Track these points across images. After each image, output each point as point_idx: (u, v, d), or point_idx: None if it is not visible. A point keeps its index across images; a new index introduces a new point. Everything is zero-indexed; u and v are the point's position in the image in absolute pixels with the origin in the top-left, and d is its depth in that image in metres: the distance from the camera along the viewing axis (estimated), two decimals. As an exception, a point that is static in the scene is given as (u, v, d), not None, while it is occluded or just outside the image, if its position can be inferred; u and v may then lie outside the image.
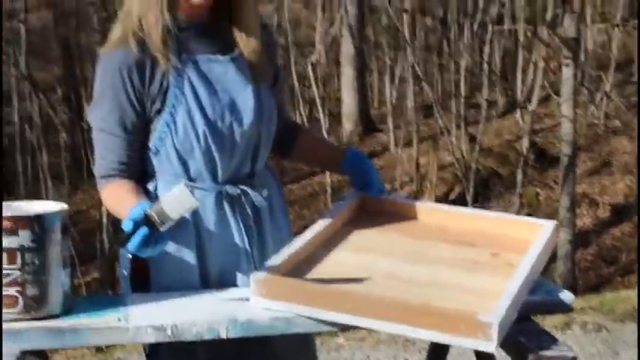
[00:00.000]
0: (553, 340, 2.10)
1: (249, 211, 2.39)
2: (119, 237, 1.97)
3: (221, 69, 2.33)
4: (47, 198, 11.53)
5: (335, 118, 16.53)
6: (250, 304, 2.11)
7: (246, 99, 2.34)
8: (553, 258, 10.34)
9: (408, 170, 14.07)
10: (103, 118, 2.30)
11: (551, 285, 2.31)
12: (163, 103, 2.28)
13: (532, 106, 10.24)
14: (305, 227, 2.39)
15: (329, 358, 4.49)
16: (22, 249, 2.06)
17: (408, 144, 14.43)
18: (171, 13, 2.23)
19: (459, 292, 2.10)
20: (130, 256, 2.33)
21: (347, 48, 15.84)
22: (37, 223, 2.07)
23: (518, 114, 13.36)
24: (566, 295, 2.21)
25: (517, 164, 10.67)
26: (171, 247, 2.29)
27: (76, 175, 13.42)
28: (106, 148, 2.33)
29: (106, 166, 2.34)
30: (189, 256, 2.33)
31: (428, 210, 2.52)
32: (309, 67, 14.30)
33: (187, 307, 2.16)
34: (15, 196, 15.89)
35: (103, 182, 2.36)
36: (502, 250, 2.32)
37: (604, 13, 18.12)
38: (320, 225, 2.36)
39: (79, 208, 12.31)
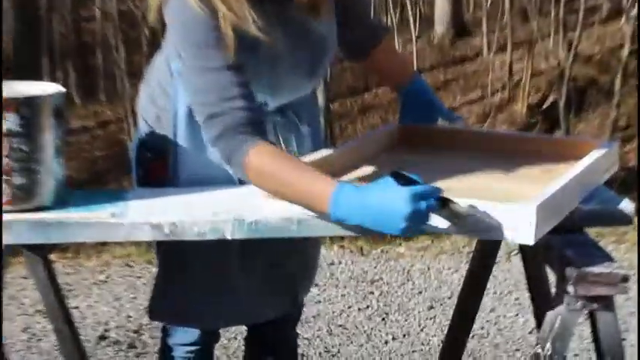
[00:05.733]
0: (604, 256, 1.88)
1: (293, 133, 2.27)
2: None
3: (302, 21, 2.07)
4: (124, 96, 11.53)
5: (426, 20, 16.26)
6: (261, 204, 1.93)
7: (326, 50, 2.15)
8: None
9: (500, 76, 13.80)
10: (215, 53, 1.89)
11: (610, 194, 2.06)
12: None
13: (635, 10, 9.79)
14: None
15: (387, 267, 4.35)
16: (9, 133, 1.90)
17: (502, 49, 14.14)
18: None
19: (496, 193, 1.88)
20: (148, 155, 2.20)
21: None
22: (26, 106, 1.90)
23: (622, 20, 12.87)
24: (626, 204, 1.97)
25: (617, 72, 10.23)
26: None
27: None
28: (233, 84, 1.88)
29: (244, 114, 1.87)
30: None
31: (478, 135, 2.35)
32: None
33: (192, 204, 1.99)
34: (95, 96, 16.03)
35: (248, 143, 1.85)
36: (556, 168, 2.09)
37: None
38: (348, 145, 2.21)
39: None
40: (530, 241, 1.73)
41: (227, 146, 1.87)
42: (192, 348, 2.34)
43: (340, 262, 4.39)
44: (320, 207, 1.73)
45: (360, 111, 13.98)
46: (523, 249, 2.39)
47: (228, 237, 1.90)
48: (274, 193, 1.85)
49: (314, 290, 4.06)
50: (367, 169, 2.10)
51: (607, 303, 1.86)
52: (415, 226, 1.63)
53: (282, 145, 2.21)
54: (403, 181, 1.67)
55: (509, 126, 12.94)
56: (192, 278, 2.20)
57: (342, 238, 4.63)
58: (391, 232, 1.64)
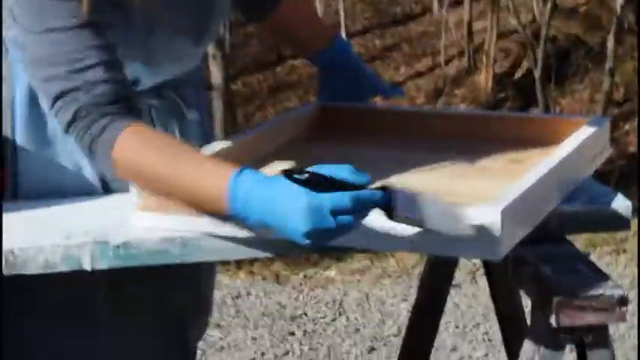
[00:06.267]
0: (594, 272, 1.89)
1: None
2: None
3: None
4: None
5: (356, -33, 16.42)
6: (134, 218, 1.91)
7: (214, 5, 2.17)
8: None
9: (456, 39, 13.96)
10: (61, 6, 1.85)
11: (601, 188, 2.08)
12: None
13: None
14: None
15: (312, 298, 4.36)
16: None
17: (458, 3, 14.32)
18: None
19: (447, 194, 1.88)
20: None
21: None
22: None
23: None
24: (621, 202, 1.99)
25: (609, 29, 10.41)
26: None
27: None
28: (88, 48, 1.84)
29: (106, 87, 1.83)
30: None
31: (424, 116, 2.38)
32: None
33: (38, 224, 1.97)
34: None
35: (114, 126, 1.80)
36: (527, 157, 2.10)
37: None
38: (251, 134, 2.21)
39: None
40: (496, 256, 1.73)
41: (85, 132, 1.82)
42: None
43: (249, 294, 4.39)
44: (218, 204, 1.67)
45: (271, 91, 14.04)
46: (488, 267, 2.40)
47: (87, 268, 1.88)
48: (157, 192, 1.81)
49: (215, 333, 4.05)
50: (277, 165, 2.08)
51: (600, 335, 1.87)
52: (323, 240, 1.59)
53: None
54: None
55: (470, 104, 13.11)
56: (43, 314, 2.17)
57: (251, 262, 4.62)
58: (294, 236, 1.59)
